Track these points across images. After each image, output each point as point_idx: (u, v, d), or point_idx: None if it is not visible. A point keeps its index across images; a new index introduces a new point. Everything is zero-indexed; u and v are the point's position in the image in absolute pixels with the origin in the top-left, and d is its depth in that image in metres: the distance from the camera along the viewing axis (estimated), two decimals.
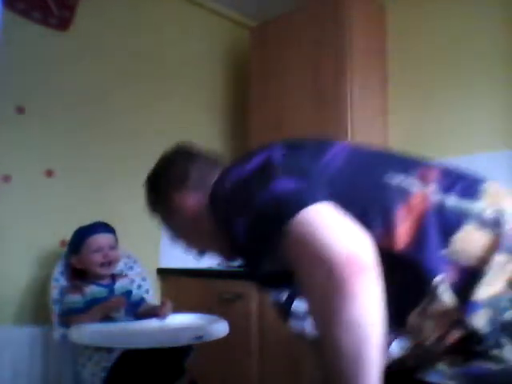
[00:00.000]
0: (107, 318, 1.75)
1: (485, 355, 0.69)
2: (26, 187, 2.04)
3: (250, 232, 0.77)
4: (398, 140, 2.38)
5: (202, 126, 2.70)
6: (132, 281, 2.02)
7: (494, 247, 0.71)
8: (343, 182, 0.81)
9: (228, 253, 1.03)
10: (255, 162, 0.83)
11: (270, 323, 1.95)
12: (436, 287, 0.71)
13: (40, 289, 2.01)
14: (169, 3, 2.62)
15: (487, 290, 0.69)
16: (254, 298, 2.01)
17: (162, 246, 2.47)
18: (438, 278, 0.71)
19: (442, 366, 0.72)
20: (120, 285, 1.90)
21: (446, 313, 0.70)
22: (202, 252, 1.09)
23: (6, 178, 1.99)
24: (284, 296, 0.87)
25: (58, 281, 1.92)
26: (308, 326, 0.81)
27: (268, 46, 2.57)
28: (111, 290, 1.87)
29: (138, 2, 2.48)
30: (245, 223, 0.77)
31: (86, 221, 2.03)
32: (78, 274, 1.90)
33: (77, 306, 1.77)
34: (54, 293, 1.89)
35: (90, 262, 1.84)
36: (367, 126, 2.29)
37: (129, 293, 1.91)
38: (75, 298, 1.79)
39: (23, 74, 2.06)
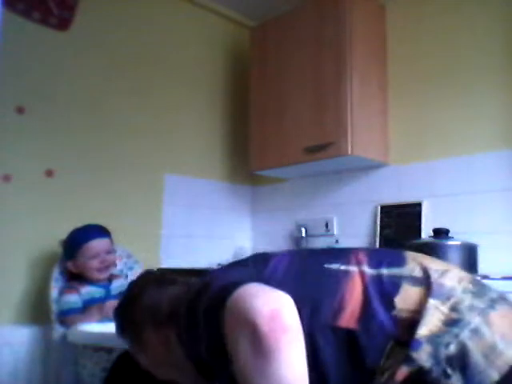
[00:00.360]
0: (106, 319, 1.74)
1: None
2: (26, 187, 2.04)
3: (207, 338, 0.82)
4: (398, 140, 2.38)
5: (202, 126, 2.71)
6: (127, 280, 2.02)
7: (427, 295, 0.82)
8: (290, 282, 0.89)
9: (193, 379, 1.05)
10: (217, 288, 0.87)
11: None
12: (389, 350, 0.79)
13: (40, 289, 2.01)
14: (169, 3, 2.62)
15: (426, 329, 0.78)
16: None
17: (162, 246, 2.47)
18: (390, 342, 0.79)
19: None
20: (116, 285, 1.90)
21: (397, 361, 0.78)
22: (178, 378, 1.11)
23: (7, 178, 1.99)
24: None
25: (58, 281, 1.92)
26: None
27: (268, 46, 2.57)
28: (108, 290, 1.87)
29: (137, 2, 2.48)
30: (203, 331, 0.82)
31: (86, 221, 2.03)
32: (75, 277, 1.89)
33: (75, 306, 1.77)
34: (54, 293, 1.89)
35: (86, 268, 1.84)
36: (367, 125, 2.29)
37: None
38: (73, 298, 1.79)
39: (23, 74, 2.06)
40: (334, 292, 0.85)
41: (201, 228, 2.64)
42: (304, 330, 0.76)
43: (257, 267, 0.94)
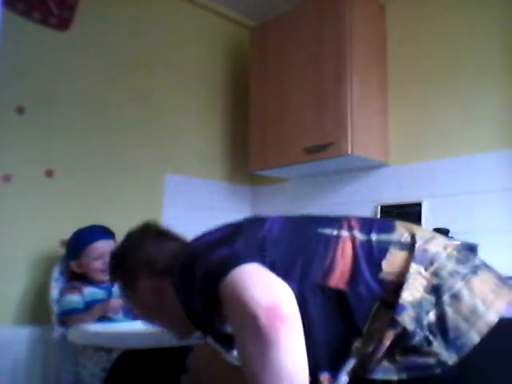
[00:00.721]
0: (106, 319, 1.75)
1: (419, 351, 0.79)
2: (26, 187, 2.04)
3: (202, 298, 0.86)
4: (398, 140, 2.38)
5: (202, 126, 2.71)
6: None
7: (410, 259, 0.86)
8: (284, 244, 0.93)
9: (184, 330, 1.13)
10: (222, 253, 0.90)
11: None
12: (375, 310, 0.83)
13: (40, 289, 2.00)
14: (169, 3, 2.62)
15: (409, 294, 0.82)
16: None
17: None
18: (376, 302, 0.83)
19: (384, 364, 0.80)
20: (116, 288, 1.89)
21: (383, 323, 0.82)
22: (156, 326, 1.18)
23: (7, 178, 1.99)
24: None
25: (58, 281, 1.92)
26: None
27: (268, 46, 2.57)
28: (110, 292, 1.87)
29: (137, 2, 2.48)
30: (198, 292, 0.87)
31: (86, 221, 2.03)
32: (77, 277, 1.89)
33: (77, 307, 1.76)
34: (54, 293, 1.89)
35: (90, 269, 1.84)
36: (367, 125, 2.29)
37: None
38: (75, 298, 1.78)
39: (23, 74, 2.06)
40: (325, 254, 0.89)
41: (201, 228, 2.61)
42: (294, 290, 0.78)
43: (253, 227, 0.97)
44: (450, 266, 0.86)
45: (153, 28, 2.54)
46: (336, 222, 0.97)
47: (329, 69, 2.29)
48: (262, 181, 2.84)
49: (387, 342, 0.80)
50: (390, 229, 0.94)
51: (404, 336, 0.80)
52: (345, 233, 0.93)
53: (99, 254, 1.84)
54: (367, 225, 0.96)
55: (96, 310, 1.75)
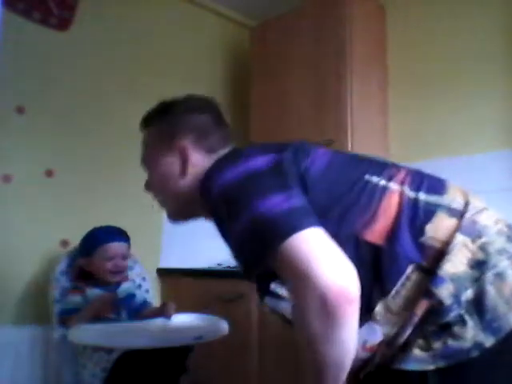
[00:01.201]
0: (106, 319, 1.74)
1: (449, 332, 0.76)
2: (26, 187, 2.04)
3: (243, 237, 0.81)
4: (397, 140, 2.38)
5: None
6: (134, 283, 2.01)
7: (456, 229, 0.81)
8: (328, 180, 0.88)
9: (180, 214, 1.10)
10: (256, 164, 0.86)
11: (270, 323, 1.95)
12: (410, 272, 0.79)
13: (40, 289, 2.00)
14: (168, 3, 2.62)
15: (451, 266, 0.77)
16: (254, 298, 2.01)
17: (162, 246, 2.47)
18: (410, 266, 0.79)
19: (416, 352, 0.78)
20: (123, 288, 1.89)
21: (416, 290, 0.79)
22: (161, 205, 1.13)
23: (7, 178, 1.99)
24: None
25: (59, 281, 1.92)
26: (283, 307, 0.89)
27: (268, 45, 2.57)
28: (114, 294, 1.86)
29: (137, 2, 2.48)
30: (240, 228, 0.81)
31: (86, 221, 2.03)
32: (84, 275, 1.89)
33: (76, 307, 1.76)
34: (55, 293, 1.88)
35: (99, 269, 1.83)
36: (367, 126, 2.29)
37: (132, 296, 1.89)
38: (76, 299, 1.78)
39: (23, 74, 2.06)
40: (368, 204, 0.84)
41: (201, 228, 2.62)
42: (329, 231, 0.77)
43: (297, 156, 0.89)
44: (499, 242, 0.81)
45: (152, 28, 2.53)
46: (387, 170, 0.90)
47: (329, 69, 2.29)
48: None
49: (419, 313, 0.77)
50: (441, 190, 0.88)
51: (438, 311, 0.76)
52: (394, 186, 0.87)
53: (111, 255, 1.83)
54: (417, 180, 0.89)
55: (86, 310, 1.73)
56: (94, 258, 1.84)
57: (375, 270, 0.80)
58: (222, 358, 2.06)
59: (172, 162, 1.02)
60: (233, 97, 2.87)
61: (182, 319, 1.76)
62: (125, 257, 1.88)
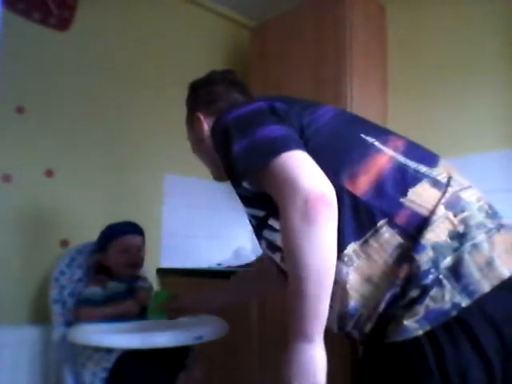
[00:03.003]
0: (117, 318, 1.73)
1: (429, 295, 0.84)
2: (26, 187, 2.04)
3: (244, 154, 0.93)
4: None
5: None
6: (150, 285, 2.00)
7: (439, 201, 0.89)
8: (328, 133, 0.99)
9: (219, 174, 1.23)
10: (257, 104, 1.02)
11: (270, 323, 1.95)
12: (382, 224, 0.88)
13: (40, 289, 2.01)
14: (168, 3, 2.62)
15: (433, 235, 0.86)
16: (254, 298, 2.01)
17: (162, 246, 2.47)
18: (383, 220, 0.88)
19: (405, 322, 0.85)
20: (139, 285, 1.89)
21: (391, 247, 0.87)
22: (202, 161, 1.34)
23: (6, 178, 1.99)
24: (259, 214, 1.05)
25: (58, 281, 1.92)
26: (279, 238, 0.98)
27: (268, 46, 2.57)
28: (131, 287, 1.86)
29: (137, 2, 2.48)
30: (242, 146, 0.93)
31: (86, 221, 2.04)
32: (102, 270, 1.89)
33: (94, 298, 1.76)
34: (54, 293, 1.89)
35: (115, 262, 1.85)
36: None
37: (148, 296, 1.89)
38: (95, 290, 1.79)
39: (23, 74, 2.06)
40: (357, 159, 0.94)
41: (201, 228, 2.64)
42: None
43: (304, 110, 1.03)
44: (479, 217, 0.89)
45: (153, 28, 2.54)
46: (383, 135, 1.00)
47: (329, 69, 2.29)
48: None
49: (401, 277, 0.85)
50: (431, 163, 0.97)
51: (417, 274, 0.84)
52: (387, 149, 0.96)
53: (125, 247, 1.85)
54: (412, 150, 0.98)
55: (110, 309, 1.73)
56: (109, 252, 1.86)
57: (350, 216, 0.90)
58: (222, 358, 2.06)
59: (197, 131, 1.26)
60: None
61: (182, 319, 1.76)
62: (139, 249, 1.90)
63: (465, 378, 0.83)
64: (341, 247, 0.88)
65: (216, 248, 2.67)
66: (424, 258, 0.84)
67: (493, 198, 0.97)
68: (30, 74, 2.09)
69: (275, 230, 0.99)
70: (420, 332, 0.84)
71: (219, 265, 2.55)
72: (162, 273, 2.43)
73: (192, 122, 1.29)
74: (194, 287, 2.28)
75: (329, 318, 0.87)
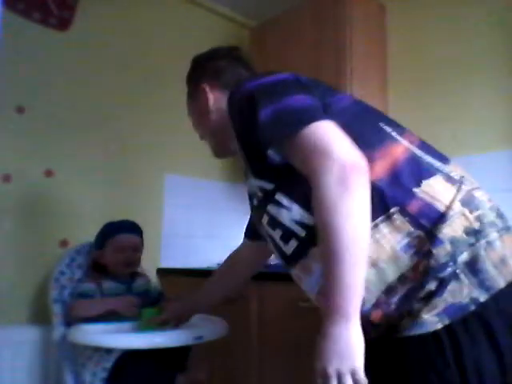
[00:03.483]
0: (114, 316, 1.72)
1: (447, 290, 0.84)
2: (26, 187, 2.04)
3: (271, 121, 0.91)
4: None
5: None
6: (149, 280, 2.01)
7: (455, 197, 0.90)
8: (347, 116, 0.98)
9: (220, 149, 1.27)
10: (283, 75, 1.03)
11: (270, 323, 1.95)
12: (393, 211, 0.89)
13: (40, 289, 2.01)
14: (168, 3, 2.62)
15: (451, 230, 0.86)
16: (254, 298, 2.01)
17: (162, 246, 2.47)
18: (395, 207, 0.89)
19: (424, 316, 0.85)
20: (138, 284, 1.90)
21: (401, 234, 0.88)
22: (201, 137, 1.33)
23: (6, 178, 1.99)
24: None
25: (58, 281, 1.92)
26: (283, 216, 0.99)
27: (268, 46, 2.57)
28: (129, 288, 1.86)
29: (137, 2, 2.48)
30: (269, 113, 0.91)
31: (87, 221, 2.03)
32: (98, 269, 1.90)
33: (90, 294, 1.77)
34: (54, 293, 1.89)
35: (111, 260, 1.85)
36: None
37: (146, 292, 1.90)
38: (91, 286, 1.79)
39: (23, 74, 2.06)
40: (375, 144, 0.94)
41: (201, 228, 2.64)
42: None
43: (326, 92, 1.03)
44: (491, 216, 0.91)
45: (153, 28, 2.53)
46: (400, 128, 1.02)
47: (329, 69, 2.29)
48: None
49: (417, 268, 0.86)
50: (444, 160, 0.99)
51: (435, 267, 0.85)
52: (403, 141, 0.97)
53: (121, 246, 1.85)
54: (425, 146, 1.00)
55: (103, 303, 1.74)
56: (106, 250, 1.86)
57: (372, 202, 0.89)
58: (222, 358, 2.06)
59: (201, 103, 1.24)
60: None
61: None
62: (136, 249, 1.90)
63: (480, 373, 0.83)
64: None
65: (216, 248, 2.66)
66: (442, 252, 0.85)
67: (493, 198, 0.98)
68: (30, 74, 2.09)
69: (281, 206, 0.98)
70: (439, 326, 0.84)
71: (219, 265, 2.55)
72: (162, 273, 2.43)
73: (196, 95, 1.27)
74: (193, 287, 2.28)
75: None
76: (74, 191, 2.17)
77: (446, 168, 0.96)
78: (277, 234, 1.02)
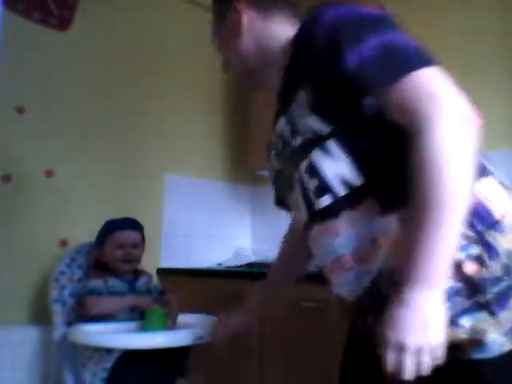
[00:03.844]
0: (112, 318, 1.73)
1: (506, 303, 0.77)
2: (26, 187, 2.04)
3: (368, 59, 0.80)
4: None
5: (202, 125, 2.70)
6: (151, 277, 2.01)
7: (510, 206, 0.83)
8: None
9: (254, 78, 1.14)
10: (368, 9, 0.89)
11: (270, 323, 1.95)
12: None
13: (40, 289, 2.01)
14: (168, 3, 2.61)
15: (505, 241, 0.79)
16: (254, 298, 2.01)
17: (162, 246, 2.47)
18: None
19: (492, 336, 0.77)
20: (142, 282, 1.90)
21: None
22: (225, 64, 1.18)
23: (7, 178, 1.99)
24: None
25: (58, 281, 1.92)
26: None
27: None
28: (132, 286, 1.86)
29: (137, 2, 2.47)
30: (366, 48, 0.80)
31: (86, 221, 2.03)
32: (101, 267, 1.90)
33: (99, 290, 1.77)
34: (54, 293, 1.89)
35: (111, 257, 1.85)
36: None
37: (148, 291, 1.90)
38: (99, 284, 1.79)
39: (23, 74, 2.06)
40: None
41: (201, 228, 2.64)
42: None
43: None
44: None
45: (153, 28, 2.53)
46: None
47: None
48: (263, 180, 2.84)
49: (467, 272, 0.77)
50: (492, 165, 0.93)
51: (490, 280, 0.77)
52: None
53: (121, 242, 1.85)
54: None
55: (122, 300, 1.75)
56: (105, 247, 1.86)
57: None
58: (222, 358, 2.06)
59: (232, 25, 1.05)
60: (233, 96, 2.87)
61: (182, 320, 1.76)
62: (136, 246, 1.89)
63: None
64: (405, 201, 0.78)
65: (216, 248, 2.67)
66: (497, 264, 0.78)
67: None
68: (30, 73, 2.09)
69: (329, 155, 0.85)
70: (509, 346, 0.76)
71: (219, 265, 2.55)
72: (162, 273, 2.43)
73: (224, 16, 1.07)
74: (193, 287, 2.28)
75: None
76: (74, 191, 2.17)
77: (496, 172, 0.89)
78: (312, 184, 0.88)
